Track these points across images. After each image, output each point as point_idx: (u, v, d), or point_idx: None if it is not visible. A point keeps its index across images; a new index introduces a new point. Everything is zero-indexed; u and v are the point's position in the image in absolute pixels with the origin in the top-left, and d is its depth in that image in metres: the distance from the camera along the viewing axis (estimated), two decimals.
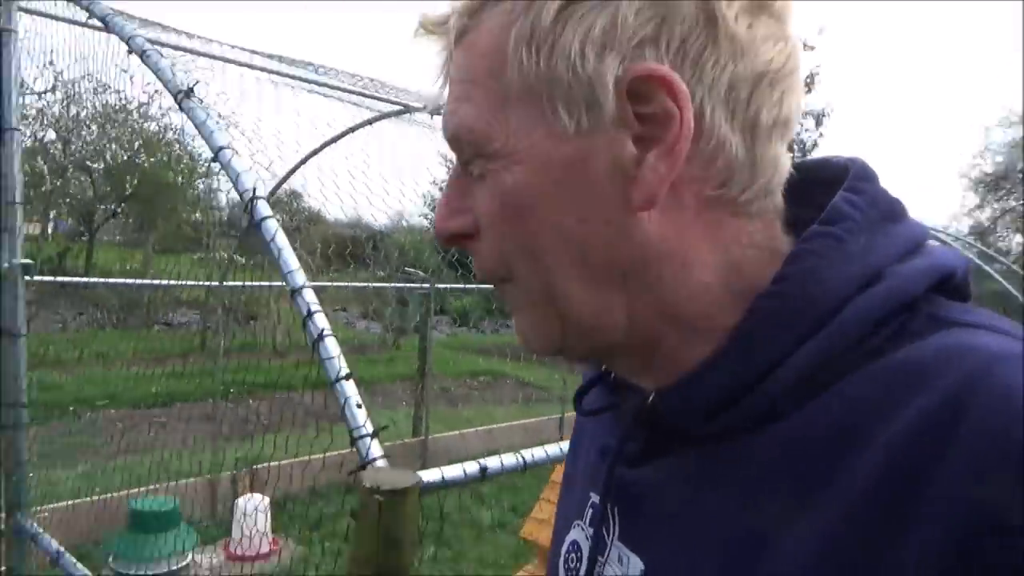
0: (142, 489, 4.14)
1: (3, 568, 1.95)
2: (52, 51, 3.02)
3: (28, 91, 12.85)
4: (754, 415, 0.45)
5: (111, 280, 7.93)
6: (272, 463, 5.03)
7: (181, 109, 1.45)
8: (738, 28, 0.44)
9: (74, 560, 1.93)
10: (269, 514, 4.19)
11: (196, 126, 1.39)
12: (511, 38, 0.46)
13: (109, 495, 4.24)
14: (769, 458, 0.44)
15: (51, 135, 14.36)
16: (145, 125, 15.10)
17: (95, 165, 14.48)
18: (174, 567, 3.67)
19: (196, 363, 9.22)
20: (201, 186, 17.20)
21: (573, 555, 0.58)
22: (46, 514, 3.87)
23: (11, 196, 1.74)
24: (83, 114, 14.23)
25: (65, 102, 13.99)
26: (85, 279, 8.65)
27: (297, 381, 8.52)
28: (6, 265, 1.72)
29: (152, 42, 1.55)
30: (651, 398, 0.50)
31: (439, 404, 8.34)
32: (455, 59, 0.50)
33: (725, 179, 0.46)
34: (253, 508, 4.11)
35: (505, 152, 0.47)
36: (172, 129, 15.46)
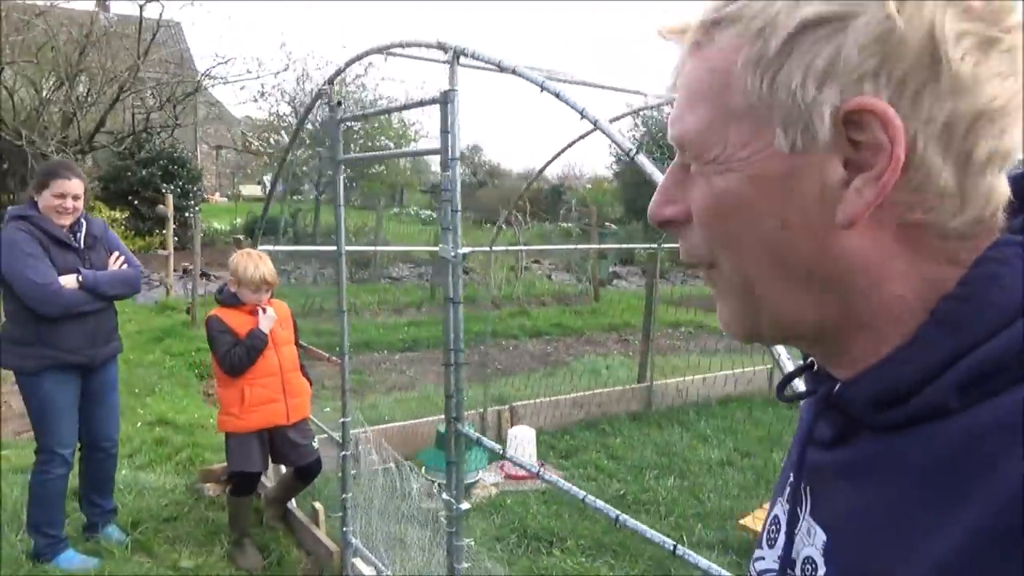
0: (434, 418, 5.11)
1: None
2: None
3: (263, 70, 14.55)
4: (924, 411, 0.48)
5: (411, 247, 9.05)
6: (527, 401, 5.88)
7: (632, 161, 2.05)
8: (963, 67, 0.46)
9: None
10: (535, 443, 5.00)
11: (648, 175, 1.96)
12: (739, 60, 0.50)
13: (407, 421, 5.25)
14: (934, 452, 0.47)
15: (285, 108, 16.17)
16: (360, 95, 16.59)
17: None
18: (469, 480, 4.57)
19: (428, 313, 10.42)
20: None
21: (773, 527, 0.64)
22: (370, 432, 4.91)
23: (456, 207, 2.47)
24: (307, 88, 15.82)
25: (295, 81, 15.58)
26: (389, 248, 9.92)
27: (514, 329, 9.38)
28: (453, 255, 2.48)
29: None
30: (836, 388, 0.54)
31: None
32: (687, 67, 0.54)
33: (932, 206, 0.48)
34: (523, 436, 4.96)
35: (721, 160, 0.52)
36: (383, 97, 16.96)
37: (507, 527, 4.20)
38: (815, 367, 0.60)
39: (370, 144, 16.69)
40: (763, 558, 0.63)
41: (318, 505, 3.83)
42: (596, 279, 12.38)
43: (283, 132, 15.32)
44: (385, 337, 8.83)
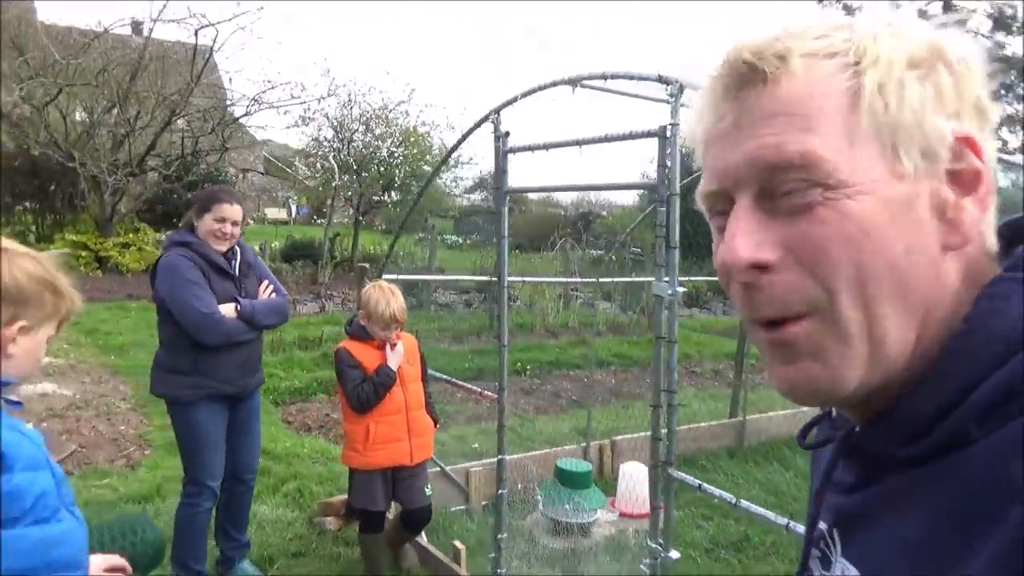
0: (541, 452, 5.01)
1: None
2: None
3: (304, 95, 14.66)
4: (946, 441, 0.49)
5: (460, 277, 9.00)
6: (626, 435, 5.77)
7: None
8: (993, 118, 0.55)
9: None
10: (647, 480, 4.89)
11: None
12: (866, 83, 0.51)
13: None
14: (959, 481, 0.48)
15: (328, 133, 16.29)
16: (402, 120, 16.71)
17: (366, 163, 16.27)
18: (589, 519, 4.46)
19: (489, 341, 10.33)
20: (447, 176, 18.88)
21: (807, 573, 0.66)
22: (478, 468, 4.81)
23: (673, 243, 2.40)
24: (354, 112, 15.97)
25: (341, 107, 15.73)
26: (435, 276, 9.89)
27: (577, 359, 9.25)
28: (670, 292, 2.41)
29: None
30: (856, 429, 0.56)
31: (714, 384, 8.78)
32: (771, 95, 0.53)
33: (975, 232, 0.53)
34: (635, 473, 4.84)
35: (851, 182, 0.50)
36: (426, 123, 17.07)
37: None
38: (832, 413, 0.61)
39: (410, 169, 16.74)
40: None
41: (459, 544, 3.72)
42: (650, 309, 12.27)
43: (330, 158, 15.37)
44: (451, 365, 8.71)
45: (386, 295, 3.42)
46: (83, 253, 13.26)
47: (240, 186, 16.50)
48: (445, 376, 4.20)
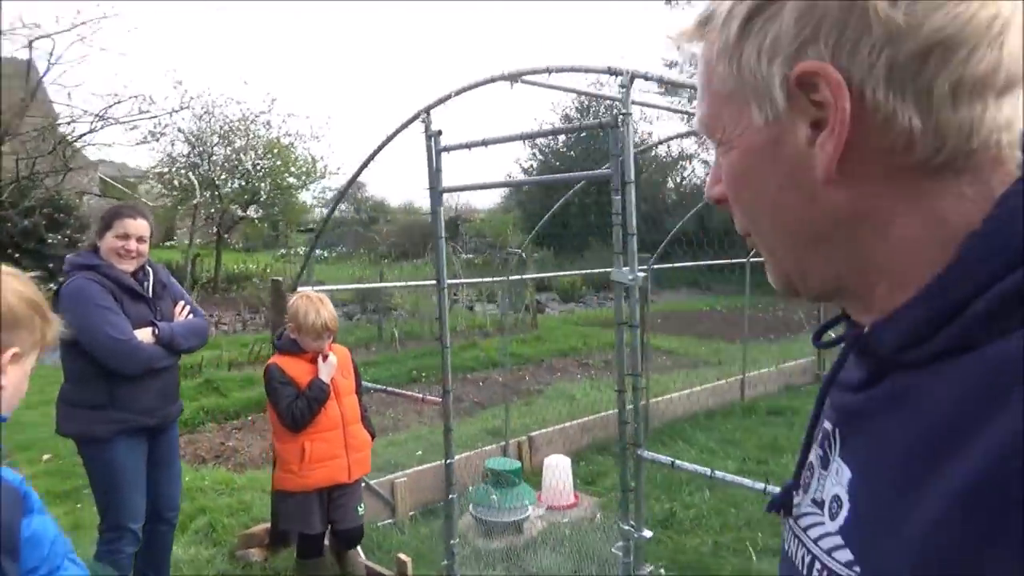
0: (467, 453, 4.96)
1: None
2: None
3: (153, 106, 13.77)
4: (951, 345, 0.49)
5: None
6: (542, 430, 5.82)
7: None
8: (894, 11, 0.48)
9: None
10: (570, 471, 4.94)
11: None
12: (714, 52, 0.57)
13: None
14: (953, 386, 0.48)
15: (183, 148, 15.33)
16: (264, 132, 16.03)
17: (224, 177, 15.44)
18: (521, 516, 4.47)
19: (379, 351, 10.12)
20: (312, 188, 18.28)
21: (807, 472, 0.66)
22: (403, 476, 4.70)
23: (631, 230, 2.45)
24: (213, 125, 15.13)
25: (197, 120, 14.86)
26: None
27: (470, 362, 9.25)
28: (631, 278, 2.46)
29: None
30: (866, 329, 0.58)
31: (607, 375, 9.04)
32: (697, 64, 0.61)
33: (906, 147, 0.50)
34: (559, 465, 4.89)
35: (725, 140, 0.59)
36: (289, 134, 16.47)
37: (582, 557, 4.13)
38: (849, 317, 0.62)
39: (278, 182, 16.08)
40: (799, 504, 0.65)
41: (404, 557, 3.61)
42: (534, 307, 12.47)
43: (189, 174, 14.45)
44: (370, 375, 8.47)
45: (315, 304, 3.27)
46: None
47: (81, 211, 15.16)
48: (380, 385, 4.06)
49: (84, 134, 13.16)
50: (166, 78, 19.43)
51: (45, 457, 5.75)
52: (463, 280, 10.08)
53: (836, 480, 0.59)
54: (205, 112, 14.88)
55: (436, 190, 3.12)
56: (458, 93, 2.96)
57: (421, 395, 3.56)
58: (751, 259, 7.70)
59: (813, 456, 0.66)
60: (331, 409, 3.30)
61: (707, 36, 0.59)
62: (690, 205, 13.45)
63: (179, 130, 14.80)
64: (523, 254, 6.82)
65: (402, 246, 19.74)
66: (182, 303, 3.23)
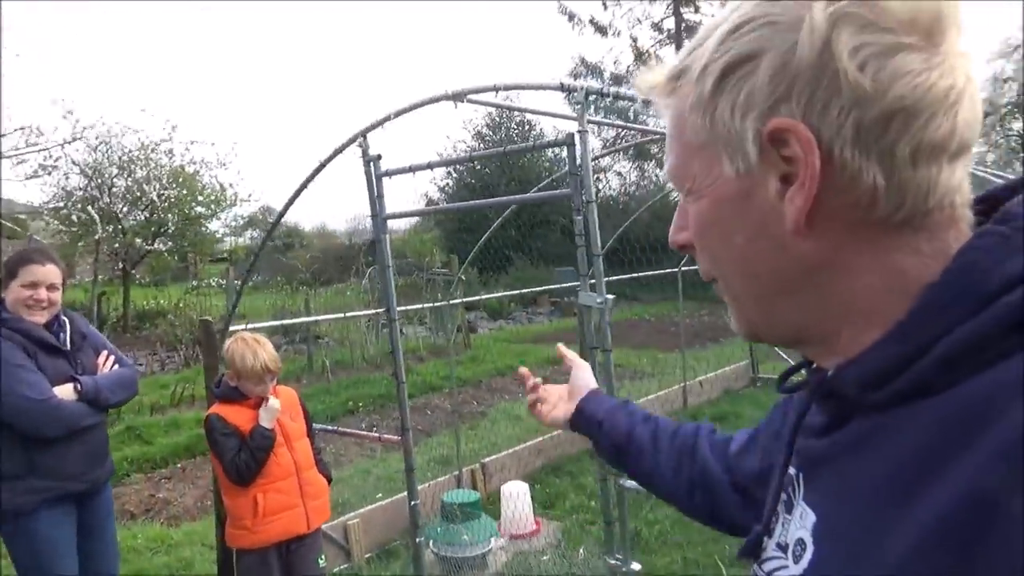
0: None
1: None
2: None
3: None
4: (912, 388, 0.51)
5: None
6: (494, 456, 5.66)
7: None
8: (861, 76, 0.51)
9: None
10: (529, 496, 4.80)
11: None
12: (687, 105, 0.59)
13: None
14: (919, 427, 0.50)
15: (79, 180, 14.47)
16: (166, 161, 15.33)
17: (127, 209, 14.65)
18: (483, 550, 4.29)
19: (311, 383, 9.72)
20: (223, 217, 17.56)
21: (773, 517, 0.69)
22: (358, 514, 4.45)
23: (596, 251, 2.35)
24: (112, 156, 14.36)
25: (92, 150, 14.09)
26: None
27: (408, 388, 9.00)
28: (600, 301, 2.35)
29: None
30: (829, 373, 0.59)
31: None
32: (665, 117, 0.65)
33: (869, 203, 0.53)
34: (517, 492, 4.74)
35: (694, 189, 0.62)
36: (195, 162, 15.79)
37: None
38: (812, 364, 0.65)
39: (186, 212, 15.36)
40: (765, 548, 0.68)
41: None
42: (466, 327, 12.30)
43: (89, 208, 13.61)
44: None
45: (251, 346, 3.01)
46: None
47: None
48: (329, 426, 3.82)
49: None
50: (54, 107, 18.32)
51: None
52: (406, 307, 9.80)
53: (800, 524, 0.61)
54: (101, 143, 14.07)
55: (379, 217, 2.95)
56: (398, 115, 2.81)
57: (378, 434, 3.34)
58: (682, 268, 7.80)
59: (779, 503, 0.67)
60: (282, 456, 3.03)
61: (679, 90, 0.61)
62: (615, 218, 13.59)
63: (73, 162, 13.96)
64: (462, 277, 6.64)
65: (322, 272, 19.19)
66: (105, 353, 2.95)
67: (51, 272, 2.76)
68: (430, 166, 2.77)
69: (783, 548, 0.64)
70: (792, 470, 0.65)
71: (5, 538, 2.71)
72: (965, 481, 0.45)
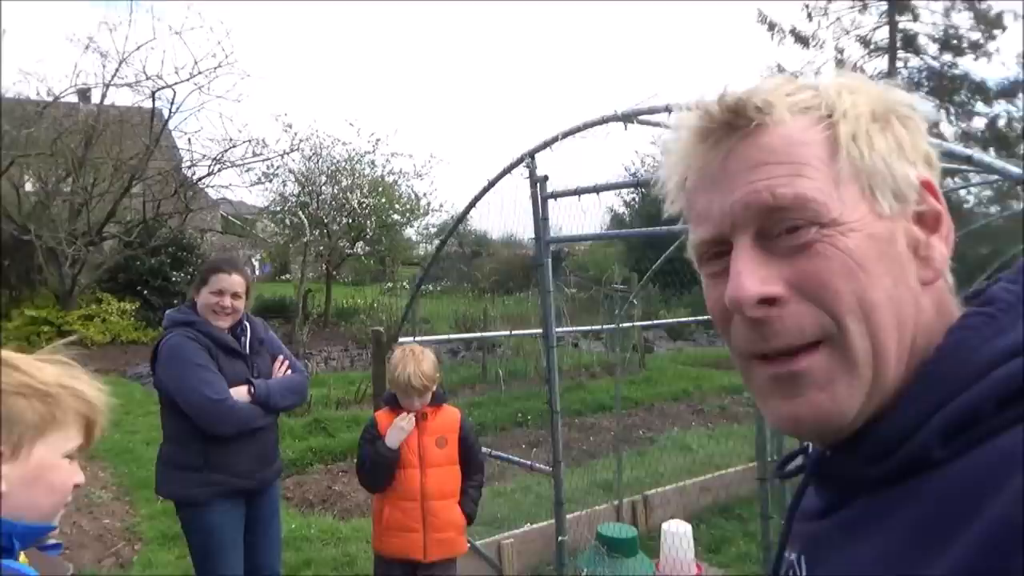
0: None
1: None
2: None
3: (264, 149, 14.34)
4: (911, 460, 0.52)
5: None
6: (658, 489, 5.42)
7: None
8: (936, 168, 0.62)
9: None
10: (691, 538, 4.52)
11: None
12: (841, 133, 0.57)
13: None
14: (920, 503, 0.51)
15: (294, 188, 15.91)
16: (368, 171, 16.44)
17: (333, 215, 15.89)
18: None
19: (483, 392, 9.95)
20: (416, 224, 18.58)
21: None
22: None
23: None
24: (321, 166, 15.65)
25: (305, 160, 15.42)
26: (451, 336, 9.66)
27: (576, 404, 8.89)
28: None
29: None
30: (827, 453, 0.60)
31: (723, 422, 8.49)
32: (757, 144, 0.59)
33: (944, 267, 0.60)
34: (679, 532, 4.47)
35: (842, 220, 0.56)
36: (393, 172, 16.82)
37: None
38: (809, 447, 0.66)
39: (384, 219, 16.41)
40: None
41: None
42: (642, 346, 12.01)
43: (299, 213, 14.97)
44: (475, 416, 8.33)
45: (406, 358, 2.99)
46: (44, 328, 12.56)
47: (203, 248, 15.96)
48: (487, 449, 3.81)
49: (203, 177, 13.86)
50: (277, 122, 20.38)
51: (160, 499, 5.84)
52: (568, 328, 9.76)
53: None
54: (313, 154, 15.42)
55: (543, 241, 2.88)
56: (565, 135, 2.72)
57: (530, 463, 3.25)
58: None
59: None
60: (409, 479, 2.93)
61: (778, 115, 0.59)
62: None
63: (290, 171, 15.40)
64: (634, 300, 6.45)
65: (504, 283, 19.70)
66: (281, 358, 3.11)
67: (236, 282, 2.95)
68: (596, 190, 2.65)
69: None
70: (792, 555, 0.65)
71: (182, 523, 2.93)
72: (968, 555, 0.45)
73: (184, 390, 2.76)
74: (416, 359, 2.98)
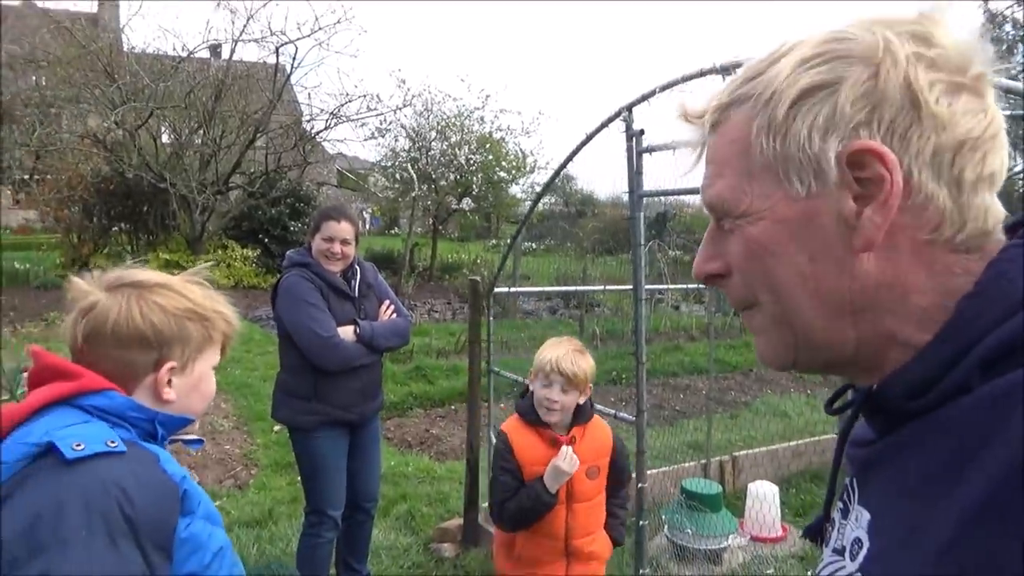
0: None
1: None
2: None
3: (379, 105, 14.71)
4: (952, 390, 0.54)
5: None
6: (748, 450, 5.41)
7: None
8: (939, 108, 0.56)
9: None
10: (778, 501, 4.51)
11: None
12: (753, 128, 0.60)
13: None
14: (960, 419, 0.53)
15: (405, 143, 16.34)
16: (477, 128, 16.62)
17: (441, 171, 16.24)
18: (722, 544, 4.13)
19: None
20: (522, 182, 18.72)
21: (829, 527, 0.73)
22: None
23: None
24: (431, 121, 15.96)
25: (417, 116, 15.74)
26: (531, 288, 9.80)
27: (673, 366, 8.83)
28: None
29: None
30: (874, 387, 0.62)
31: (824, 389, 8.27)
32: (710, 144, 0.65)
33: (936, 225, 0.58)
34: (765, 493, 4.48)
35: (750, 212, 0.62)
36: (501, 129, 16.95)
37: None
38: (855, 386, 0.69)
39: (490, 176, 16.63)
40: (823, 559, 0.70)
41: None
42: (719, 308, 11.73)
43: (409, 167, 15.39)
44: None
45: (559, 343, 2.44)
46: (176, 272, 13.54)
47: (319, 200, 16.72)
48: None
49: (320, 131, 14.43)
50: (391, 78, 20.79)
51: (276, 428, 6.32)
52: (661, 286, 9.68)
53: (856, 525, 0.64)
54: (425, 109, 15.74)
55: (635, 194, 2.92)
56: (663, 89, 2.73)
57: (614, 412, 3.32)
58: None
59: (835, 511, 0.72)
60: (554, 516, 2.38)
61: (730, 117, 0.63)
62: None
63: (402, 126, 15.80)
64: None
65: (607, 242, 19.60)
66: (387, 303, 3.31)
67: (345, 229, 3.14)
68: (691, 145, 2.65)
69: (839, 552, 0.67)
70: (847, 480, 0.70)
71: (293, 446, 3.21)
72: (993, 470, 0.48)
73: (296, 325, 3.00)
74: (571, 345, 2.43)
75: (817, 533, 0.76)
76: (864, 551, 0.62)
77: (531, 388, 2.42)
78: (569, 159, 3.33)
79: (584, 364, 2.36)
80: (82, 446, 1.05)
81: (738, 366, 9.28)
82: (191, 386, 1.30)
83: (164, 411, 1.24)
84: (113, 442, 1.09)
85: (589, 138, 3.16)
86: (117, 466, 1.07)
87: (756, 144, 0.61)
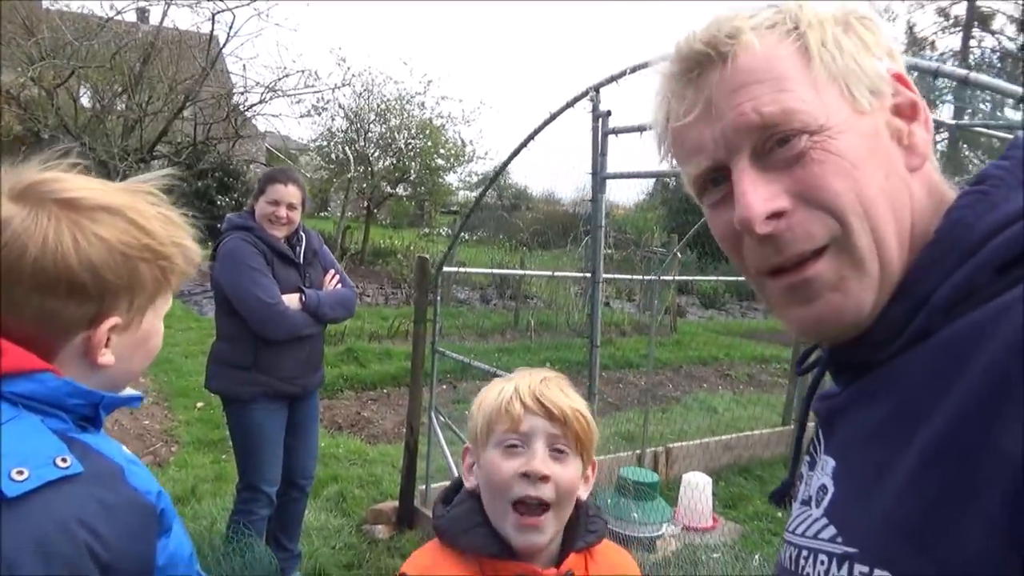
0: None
1: None
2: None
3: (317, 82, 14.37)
4: (913, 337, 0.56)
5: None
6: (681, 443, 5.49)
7: None
8: (900, 61, 0.65)
9: None
10: (711, 491, 4.58)
11: None
12: (810, 42, 0.60)
13: None
14: (920, 363, 0.55)
15: (342, 123, 15.96)
16: (418, 113, 16.40)
17: (378, 154, 15.94)
18: (655, 533, 4.17)
19: (514, 339, 10.06)
20: (459, 171, 18.57)
21: (798, 483, 0.73)
22: None
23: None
24: (372, 103, 15.64)
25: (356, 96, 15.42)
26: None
27: (605, 359, 8.90)
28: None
29: None
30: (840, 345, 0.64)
31: (750, 390, 8.50)
32: (733, 69, 0.60)
33: (926, 152, 0.62)
34: (698, 483, 4.54)
35: (829, 125, 0.58)
36: (442, 116, 16.76)
37: None
38: (818, 347, 0.70)
39: (428, 163, 16.42)
40: (792, 513, 0.69)
41: None
42: (675, 310, 11.98)
43: (345, 148, 15.02)
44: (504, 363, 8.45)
45: (521, 374, 1.29)
46: None
47: (247, 177, 16.17)
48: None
49: (254, 104, 13.96)
50: (331, 55, 20.12)
51: (199, 405, 6.06)
52: (613, 275, 9.78)
53: (822, 473, 0.64)
54: (365, 90, 15.37)
55: (599, 176, 2.89)
56: (634, 70, 2.70)
57: None
58: None
59: (803, 466, 0.72)
60: None
61: (747, 37, 0.61)
62: None
63: (340, 106, 15.37)
64: (678, 254, 6.43)
65: (542, 235, 19.67)
66: (332, 272, 3.18)
67: (291, 193, 3.00)
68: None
69: (806, 502, 0.66)
70: (813, 432, 0.70)
71: (228, 419, 3.06)
72: (952, 409, 0.49)
73: (238, 290, 2.85)
74: (540, 375, 1.28)
75: (783, 497, 0.76)
76: (829, 496, 0.62)
77: (468, 482, 1.24)
78: (531, 137, 3.28)
79: (581, 403, 1.28)
80: (24, 474, 0.75)
81: (669, 363, 9.43)
82: (136, 344, 0.95)
83: (98, 377, 0.92)
84: (64, 459, 0.79)
85: (554, 116, 3.12)
86: (76, 494, 0.79)
87: (819, 56, 0.60)
